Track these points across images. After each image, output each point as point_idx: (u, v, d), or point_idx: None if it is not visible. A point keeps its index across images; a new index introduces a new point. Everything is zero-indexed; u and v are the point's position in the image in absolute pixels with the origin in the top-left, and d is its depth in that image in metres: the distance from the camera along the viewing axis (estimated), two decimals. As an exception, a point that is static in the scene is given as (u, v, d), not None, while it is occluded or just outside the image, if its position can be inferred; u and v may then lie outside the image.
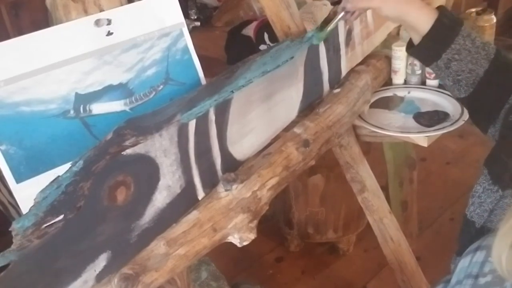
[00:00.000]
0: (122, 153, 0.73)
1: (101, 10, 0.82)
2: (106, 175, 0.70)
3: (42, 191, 0.63)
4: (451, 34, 0.91)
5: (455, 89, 0.97)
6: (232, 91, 0.91)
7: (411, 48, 0.98)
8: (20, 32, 0.82)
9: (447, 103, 1.36)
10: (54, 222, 0.66)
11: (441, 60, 0.93)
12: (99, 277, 0.75)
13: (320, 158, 1.14)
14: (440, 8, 0.93)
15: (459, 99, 1.00)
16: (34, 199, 0.63)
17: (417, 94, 1.43)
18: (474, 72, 0.92)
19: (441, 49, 0.92)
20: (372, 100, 1.40)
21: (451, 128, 1.26)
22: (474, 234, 0.90)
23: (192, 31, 2.17)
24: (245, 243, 0.92)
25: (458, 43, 0.91)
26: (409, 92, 1.43)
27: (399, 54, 1.43)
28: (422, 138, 1.29)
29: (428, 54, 0.95)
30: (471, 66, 0.92)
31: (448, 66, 0.93)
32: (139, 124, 0.74)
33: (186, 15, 2.49)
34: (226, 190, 0.91)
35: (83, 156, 0.66)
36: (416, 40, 0.95)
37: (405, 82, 1.48)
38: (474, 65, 0.91)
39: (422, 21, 0.92)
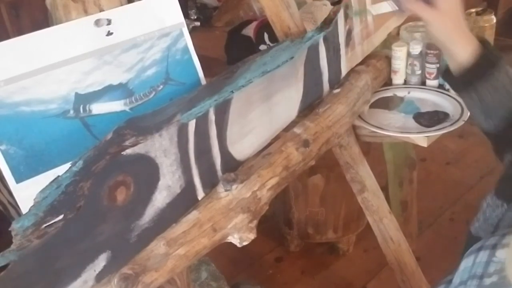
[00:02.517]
0: (122, 153, 0.73)
1: (101, 10, 0.82)
2: (106, 175, 0.70)
3: (42, 191, 0.63)
4: (492, 70, 0.90)
5: (483, 121, 0.95)
6: (232, 91, 0.91)
7: (447, 76, 0.96)
8: (20, 32, 0.82)
9: (447, 103, 1.36)
10: (54, 222, 0.66)
11: (476, 92, 0.91)
12: (99, 277, 0.75)
13: (320, 158, 1.14)
14: (483, 42, 0.93)
15: (484, 132, 0.98)
16: (34, 199, 0.63)
17: (417, 94, 1.43)
18: (506, 106, 0.91)
19: (478, 84, 0.90)
20: (372, 100, 1.40)
21: (451, 128, 1.26)
22: None
23: (192, 31, 2.18)
24: (245, 243, 0.92)
25: (496, 79, 0.90)
26: (409, 92, 1.43)
27: (399, 54, 1.43)
28: (422, 138, 1.29)
29: (465, 86, 0.93)
30: (505, 101, 0.91)
31: (482, 99, 0.91)
32: (139, 124, 0.74)
33: (186, 15, 2.49)
34: (226, 190, 0.91)
35: (83, 156, 0.66)
36: (453, 66, 0.93)
37: (405, 82, 1.48)
38: (508, 101, 0.91)
39: (465, 53, 0.90)
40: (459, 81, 0.94)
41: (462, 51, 0.90)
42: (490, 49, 0.92)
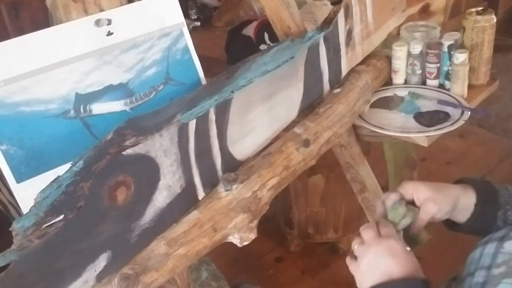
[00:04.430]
0: (122, 153, 0.73)
1: (101, 10, 0.82)
2: (106, 175, 0.70)
3: (43, 191, 0.63)
4: (493, 191, 0.88)
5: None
6: (232, 91, 0.91)
7: (458, 226, 0.90)
8: (20, 32, 0.82)
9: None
10: (55, 222, 0.66)
11: (499, 218, 0.87)
12: (100, 277, 0.75)
13: (320, 158, 1.14)
14: (463, 180, 0.91)
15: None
16: (35, 199, 0.63)
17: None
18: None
19: (495, 209, 0.87)
20: (372, 100, 1.40)
21: (452, 128, 1.26)
22: None
23: (192, 31, 2.17)
24: (245, 243, 0.92)
25: (502, 196, 0.88)
26: (409, 92, 1.43)
27: (399, 54, 1.43)
28: (422, 138, 1.29)
29: (485, 221, 0.88)
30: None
31: (506, 220, 0.87)
32: (140, 124, 0.74)
33: (186, 15, 2.49)
34: (226, 190, 0.91)
35: (83, 156, 0.66)
36: (460, 217, 0.89)
37: (406, 82, 1.48)
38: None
39: (467, 197, 0.88)
40: (478, 220, 0.88)
41: (465, 198, 0.87)
42: (472, 179, 0.90)
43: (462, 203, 0.87)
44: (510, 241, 0.73)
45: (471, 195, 0.87)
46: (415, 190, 0.87)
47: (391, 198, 0.87)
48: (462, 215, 0.88)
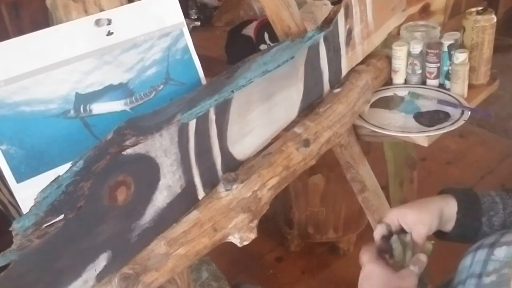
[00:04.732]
0: (123, 153, 0.73)
1: (101, 10, 0.82)
2: (106, 175, 0.70)
3: (43, 190, 0.63)
4: (474, 198, 0.89)
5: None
6: (233, 91, 0.91)
7: (447, 235, 0.92)
8: (20, 32, 0.82)
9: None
10: (55, 222, 0.66)
11: (484, 224, 0.88)
12: (100, 277, 0.75)
13: (320, 158, 1.14)
14: (444, 191, 0.93)
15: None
16: (35, 199, 0.63)
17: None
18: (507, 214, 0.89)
19: (477, 215, 0.88)
20: (372, 100, 1.40)
21: (452, 128, 1.26)
22: None
23: (192, 31, 2.18)
24: (245, 243, 0.92)
25: (485, 202, 0.89)
26: (409, 92, 1.43)
27: (400, 53, 1.43)
28: (422, 137, 1.29)
29: (470, 228, 0.89)
30: (507, 212, 0.89)
31: (491, 226, 0.88)
32: (140, 124, 0.74)
33: (186, 15, 2.49)
34: (226, 190, 0.91)
35: (84, 156, 0.66)
36: (447, 227, 0.90)
37: (406, 81, 1.48)
38: (507, 210, 0.89)
39: (454, 208, 0.89)
40: (461, 228, 0.89)
41: (448, 208, 0.89)
42: (453, 188, 0.92)
43: (446, 213, 0.88)
44: (500, 248, 0.73)
45: (452, 204, 0.89)
46: (400, 217, 0.89)
47: (379, 231, 0.88)
48: (449, 225, 0.89)
